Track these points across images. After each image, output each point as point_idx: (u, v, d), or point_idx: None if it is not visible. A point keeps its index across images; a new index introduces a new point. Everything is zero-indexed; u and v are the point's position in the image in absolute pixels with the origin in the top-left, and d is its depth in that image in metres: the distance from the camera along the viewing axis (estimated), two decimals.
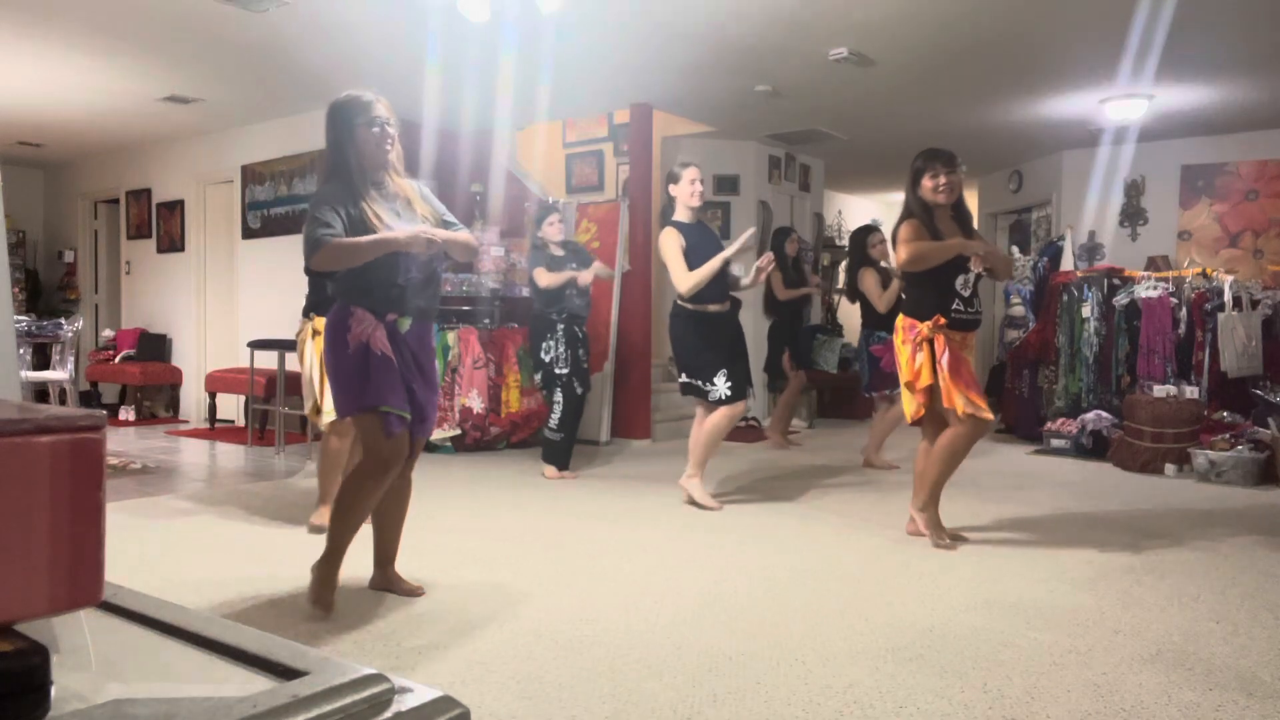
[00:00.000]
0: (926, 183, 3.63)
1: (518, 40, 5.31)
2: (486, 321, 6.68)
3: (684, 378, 4.48)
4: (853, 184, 10.81)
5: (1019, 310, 8.00)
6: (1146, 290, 6.38)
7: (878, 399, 5.71)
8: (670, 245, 4.35)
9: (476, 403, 6.29)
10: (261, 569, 3.39)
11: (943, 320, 3.58)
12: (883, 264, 5.68)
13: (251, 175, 7.67)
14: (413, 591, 3.05)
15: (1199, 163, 7.95)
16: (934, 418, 3.70)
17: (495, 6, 4.67)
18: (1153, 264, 7.43)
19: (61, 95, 6.66)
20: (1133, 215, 8.29)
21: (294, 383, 6.57)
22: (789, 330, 6.70)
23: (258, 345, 6.35)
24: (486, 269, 6.95)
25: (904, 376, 3.73)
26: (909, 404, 3.72)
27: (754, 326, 6.90)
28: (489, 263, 6.97)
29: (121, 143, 8.43)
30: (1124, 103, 6.62)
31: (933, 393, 3.62)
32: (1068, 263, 7.52)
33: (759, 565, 3.42)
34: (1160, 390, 5.84)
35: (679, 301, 4.40)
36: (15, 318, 4.18)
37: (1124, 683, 2.30)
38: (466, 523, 4.17)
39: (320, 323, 3.81)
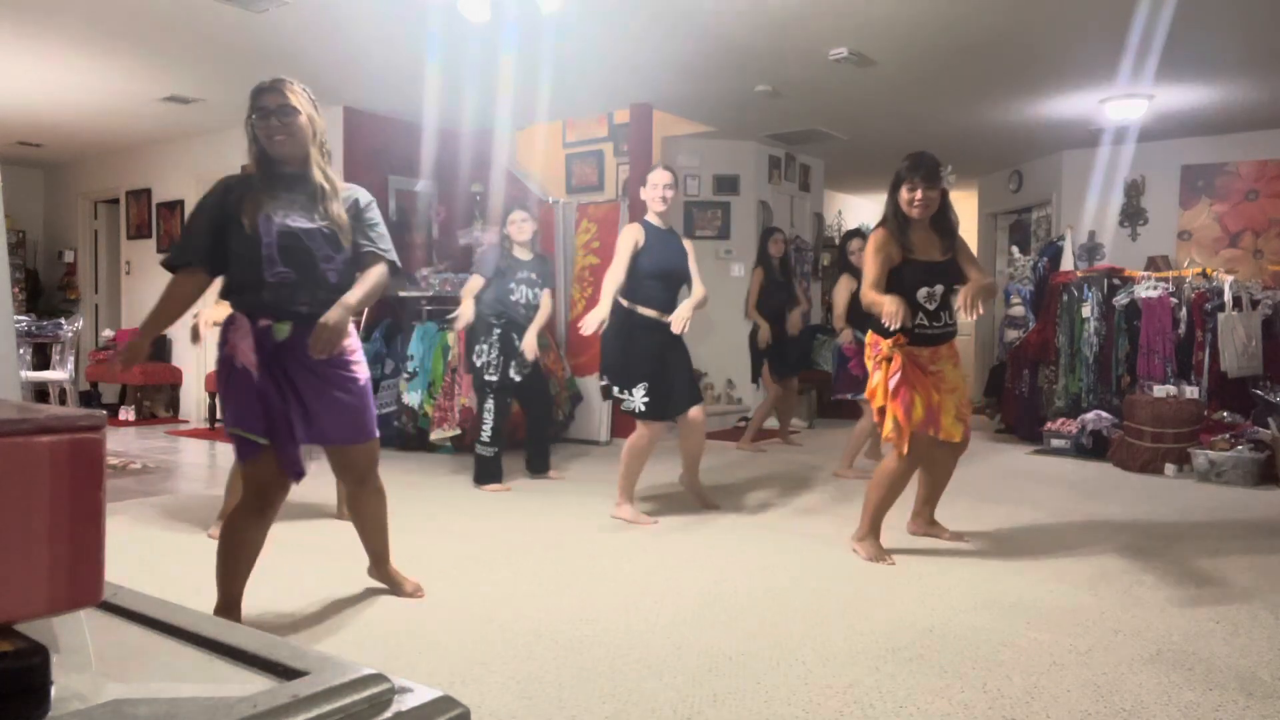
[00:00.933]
0: (903, 194, 3.47)
1: (518, 40, 5.31)
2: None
3: (603, 380, 4.22)
4: (853, 184, 10.82)
5: (1019, 310, 8.00)
6: (1146, 290, 6.38)
7: (860, 402, 5.66)
8: (623, 240, 4.18)
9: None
10: (261, 568, 3.38)
11: (903, 339, 3.42)
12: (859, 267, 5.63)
13: None
14: (414, 592, 3.04)
15: (1199, 163, 7.95)
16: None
17: (495, 6, 4.67)
18: (1153, 264, 7.42)
19: (61, 95, 6.66)
20: (1133, 215, 8.29)
21: None
22: (771, 336, 6.37)
23: None
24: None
25: (867, 393, 3.66)
26: (878, 418, 3.60)
27: (738, 330, 6.87)
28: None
29: (121, 143, 8.43)
30: (1124, 103, 6.62)
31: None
32: (1068, 263, 7.52)
33: (759, 565, 3.42)
34: (1160, 390, 5.84)
35: (618, 298, 4.14)
36: (15, 318, 4.18)
37: (1124, 683, 2.30)
38: (466, 523, 4.17)
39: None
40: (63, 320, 6.79)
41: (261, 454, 2.47)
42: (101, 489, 0.65)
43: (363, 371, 2.67)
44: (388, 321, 6.89)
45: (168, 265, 2.52)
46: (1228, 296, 6.10)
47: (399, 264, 2.72)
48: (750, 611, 2.87)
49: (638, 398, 4.07)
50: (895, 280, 3.45)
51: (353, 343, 2.64)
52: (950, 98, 6.66)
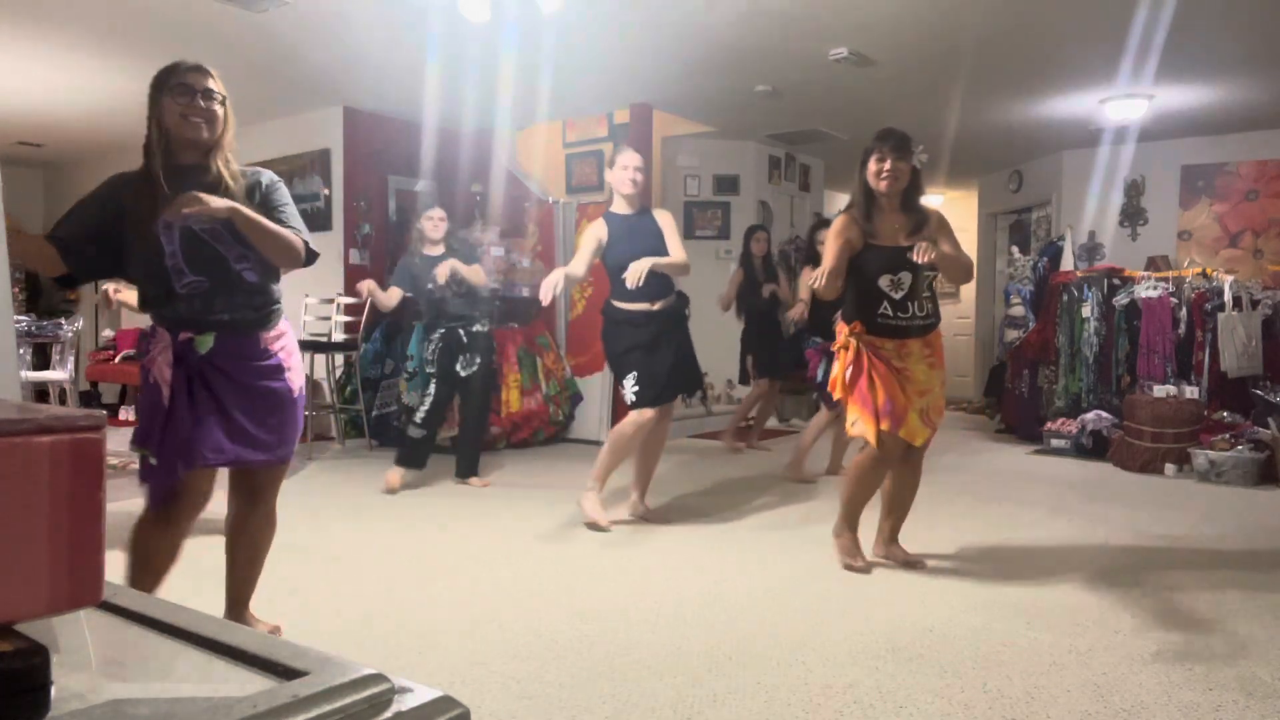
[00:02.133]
0: (871, 165, 3.26)
1: (518, 40, 5.30)
2: (486, 321, 6.67)
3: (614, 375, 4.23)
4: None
5: (1019, 310, 8.00)
6: (1146, 290, 6.37)
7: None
8: (585, 239, 4.08)
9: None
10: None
11: (859, 327, 3.25)
12: None
13: None
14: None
15: (1199, 163, 7.95)
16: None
17: (495, 6, 4.67)
18: (1153, 264, 7.42)
19: (61, 95, 6.66)
20: (1133, 215, 8.29)
21: None
22: (755, 334, 6.37)
23: None
24: (487, 269, 6.94)
25: (829, 386, 3.46)
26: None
27: (729, 327, 6.85)
28: (489, 263, 6.97)
29: (122, 143, 8.42)
30: (1124, 103, 6.62)
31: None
32: (1068, 263, 7.51)
33: (759, 565, 3.42)
34: (1160, 390, 5.84)
35: (608, 300, 4.12)
36: (15, 318, 4.17)
37: (1124, 683, 2.30)
38: (466, 522, 4.17)
39: None
40: (63, 320, 6.79)
41: (154, 477, 2.27)
42: (101, 489, 0.65)
43: (296, 380, 2.41)
44: (388, 321, 6.89)
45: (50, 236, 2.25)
46: (1228, 296, 6.10)
47: (311, 246, 2.40)
48: (750, 611, 2.87)
49: (629, 388, 4.04)
50: (856, 267, 3.26)
51: (289, 344, 2.42)
52: (950, 98, 6.65)
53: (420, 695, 0.63)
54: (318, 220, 7.10)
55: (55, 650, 0.64)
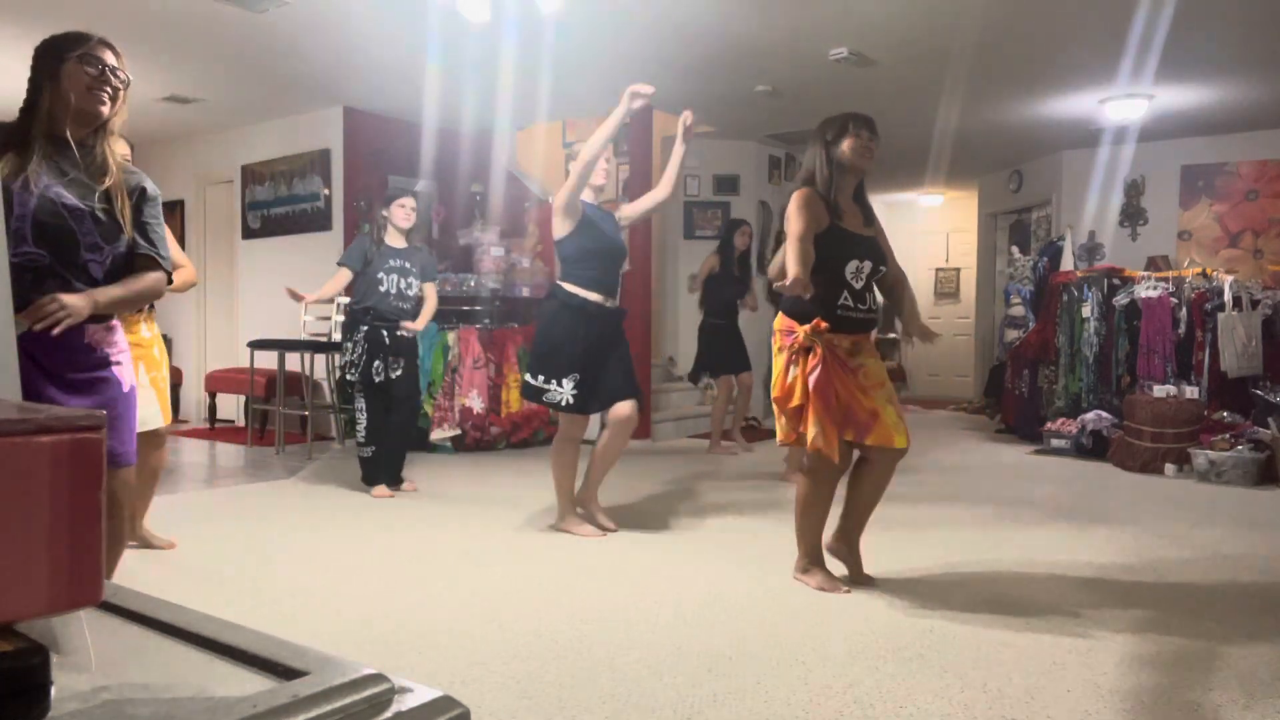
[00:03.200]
0: (850, 142, 3.06)
1: (518, 40, 5.30)
2: (486, 321, 6.68)
3: (527, 377, 3.88)
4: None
5: (1019, 310, 8.00)
6: (1146, 290, 6.38)
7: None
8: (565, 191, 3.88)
9: (476, 403, 6.29)
10: (261, 568, 3.39)
11: (824, 324, 2.93)
12: None
13: (251, 175, 7.67)
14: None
15: (1199, 163, 7.95)
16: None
17: (495, 6, 4.67)
18: (1153, 264, 7.43)
19: None
20: (1133, 215, 8.29)
21: (294, 383, 6.58)
22: (714, 329, 6.30)
23: (258, 345, 6.34)
24: (486, 269, 6.95)
25: (773, 392, 3.07)
26: (779, 425, 3.08)
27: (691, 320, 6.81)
28: (489, 263, 6.98)
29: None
30: (1124, 103, 6.62)
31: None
32: (1068, 263, 7.52)
33: (758, 565, 3.42)
34: (1160, 390, 5.84)
35: (557, 282, 3.88)
36: (15, 318, 4.17)
37: (1124, 683, 2.30)
38: (466, 523, 4.17)
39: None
40: None
41: None
42: (101, 489, 0.65)
43: (126, 374, 2.22)
44: None
45: None
46: (1228, 296, 6.10)
47: (169, 269, 2.26)
48: (750, 611, 2.87)
49: (566, 389, 3.73)
50: (824, 249, 2.98)
51: (119, 341, 2.23)
52: (950, 98, 6.65)
53: (420, 695, 0.63)
54: (317, 220, 7.11)
55: (55, 650, 0.64)
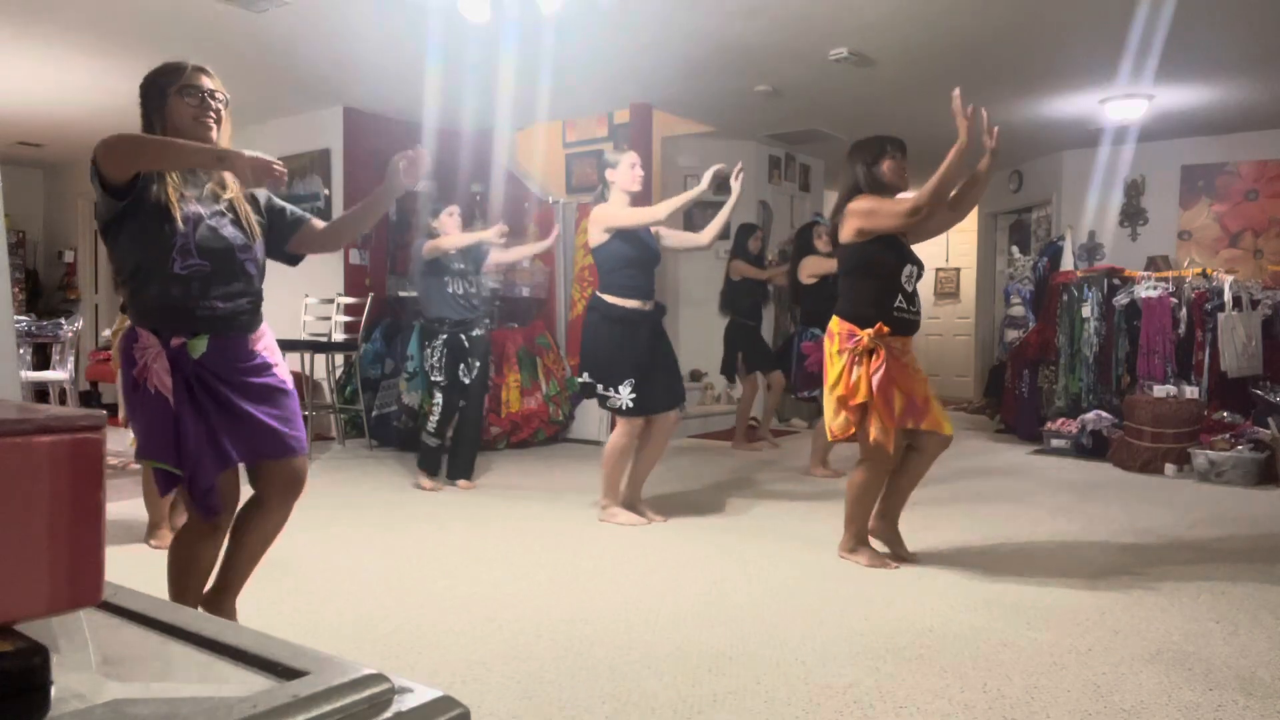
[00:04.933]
0: (891, 164, 3.38)
1: (518, 40, 5.31)
2: (487, 321, 6.67)
3: (585, 377, 4.07)
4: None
5: (1019, 310, 8.00)
6: (1146, 290, 6.37)
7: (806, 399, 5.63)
8: (615, 205, 4.03)
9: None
10: (261, 568, 3.38)
11: (886, 328, 3.24)
12: (825, 253, 5.46)
13: None
14: None
15: (1199, 163, 7.95)
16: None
17: (495, 6, 4.67)
18: (1153, 264, 7.43)
19: (61, 95, 6.66)
20: (1133, 215, 8.29)
21: (294, 383, 6.56)
22: (743, 330, 6.43)
23: None
24: (487, 269, 6.94)
25: (836, 390, 3.31)
26: (836, 418, 3.33)
27: (714, 325, 6.89)
28: (489, 263, 6.96)
29: None
30: (1124, 103, 6.62)
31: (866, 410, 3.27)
32: (1068, 263, 7.52)
33: (759, 565, 3.42)
34: (1160, 390, 5.84)
35: (598, 294, 4.05)
36: (15, 318, 4.17)
37: (1124, 683, 2.30)
38: (466, 523, 4.17)
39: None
40: (63, 320, 6.78)
41: (173, 488, 2.28)
42: (101, 489, 0.65)
43: (286, 374, 2.42)
44: (388, 321, 6.89)
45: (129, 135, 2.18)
46: (1228, 296, 6.10)
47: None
48: (750, 611, 2.87)
49: (625, 394, 3.94)
50: (883, 255, 3.31)
51: (271, 344, 2.42)
52: (950, 98, 6.65)
53: (420, 695, 0.63)
54: None
55: (55, 650, 0.64)
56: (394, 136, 7.19)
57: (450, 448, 5.16)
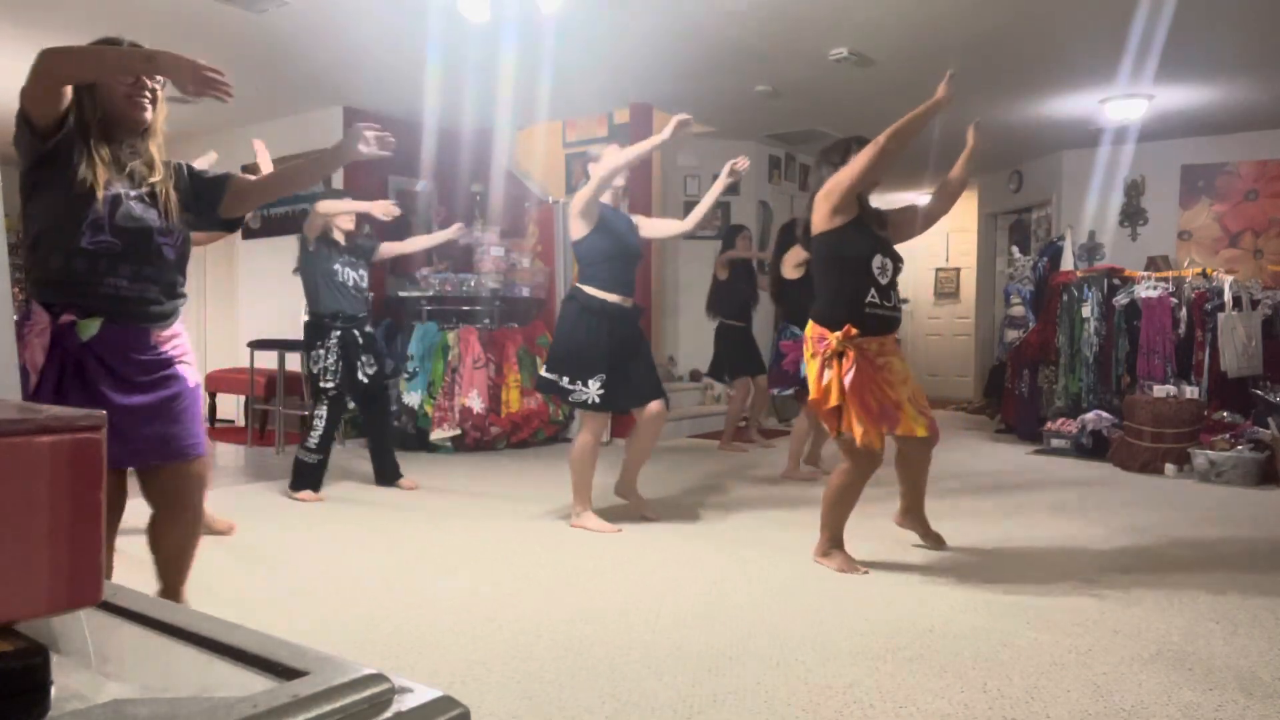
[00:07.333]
0: None
1: (518, 40, 5.31)
2: (486, 321, 6.69)
3: (545, 371, 3.95)
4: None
5: (1019, 310, 8.00)
6: (1146, 290, 6.37)
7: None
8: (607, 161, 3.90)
9: (476, 403, 6.29)
10: (261, 569, 3.39)
11: (854, 330, 3.17)
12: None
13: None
14: None
15: (1199, 163, 7.95)
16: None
17: (495, 6, 4.67)
18: (1153, 264, 7.43)
19: None
20: (1133, 215, 8.29)
21: (294, 383, 6.57)
22: (733, 332, 6.37)
23: (258, 345, 6.34)
24: (486, 269, 6.95)
25: (813, 393, 3.32)
26: (827, 421, 3.33)
27: (703, 328, 6.89)
28: (489, 263, 6.98)
29: None
30: (1124, 103, 6.62)
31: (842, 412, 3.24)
32: (1068, 263, 7.52)
33: (759, 565, 3.42)
34: (1160, 390, 5.83)
35: (576, 285, 3.97)
36: (15, 318, 4.16)
37: (1124, 683, 2.30)
38: (466, 523, 4.17)
39: None
40: None
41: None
42: (101, 489, 0.65)
43: (191, 374, 2.29)
44: (388, 321, 6.89)
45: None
46: (1228, 296, 6.10)
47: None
48: (750, 611, 2.87)
49: (592, 389, 3.82)
50: (851, 244, 3.27)
51: (183, 344, 2.29)
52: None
53: (420, 695, 0.63)
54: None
55: (55, 650, 0.64)
56: (394, 136, 7.18)
57: (371, 454, 4.96)
